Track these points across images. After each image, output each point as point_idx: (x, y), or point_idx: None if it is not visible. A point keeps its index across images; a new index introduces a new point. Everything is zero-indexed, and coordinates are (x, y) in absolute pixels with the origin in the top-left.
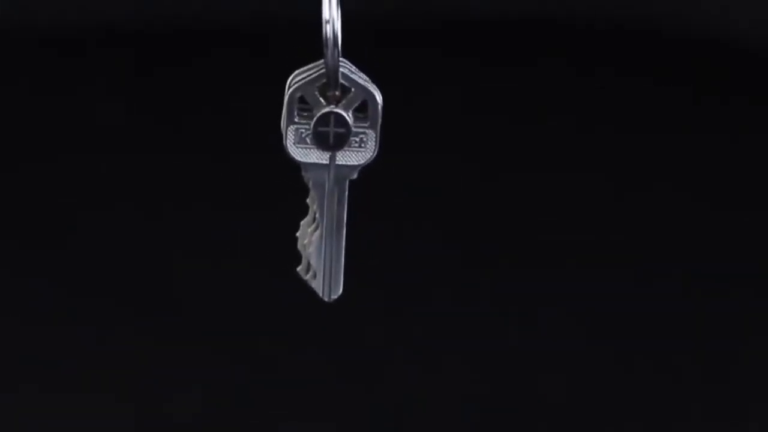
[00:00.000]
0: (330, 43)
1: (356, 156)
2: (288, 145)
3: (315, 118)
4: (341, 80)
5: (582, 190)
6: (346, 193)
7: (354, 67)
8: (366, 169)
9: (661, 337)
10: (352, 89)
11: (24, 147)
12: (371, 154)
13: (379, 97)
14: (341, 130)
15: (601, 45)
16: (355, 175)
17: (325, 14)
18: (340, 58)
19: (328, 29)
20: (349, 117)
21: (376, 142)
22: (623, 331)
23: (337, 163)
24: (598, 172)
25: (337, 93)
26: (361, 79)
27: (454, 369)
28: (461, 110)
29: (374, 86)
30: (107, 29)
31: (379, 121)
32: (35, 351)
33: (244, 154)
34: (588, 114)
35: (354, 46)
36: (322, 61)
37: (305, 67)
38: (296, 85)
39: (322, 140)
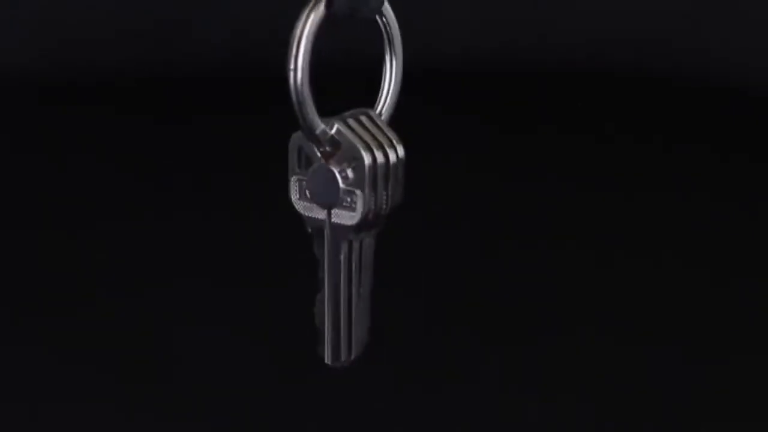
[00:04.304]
0: (293, 92)
1: (348, 216)
2: (293, 198)
3: (309, 172)
4: (332, 134)
5: (583, 259)
6: (343, 255)
7: (358, 122)
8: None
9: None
10: (342, 146)
11: (21, 208)
12: (360, 216)
13: (367, 158)
14: (331, 187)
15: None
16: (363, 238)
17: (290, 63)
18: (360, 110)
19: (291, 78)
20: (337, 174)
21: (363, 203)
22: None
23: (332, 221)
24: (599, 237)
25: (328, 148)
26: (356, 136)
27: None
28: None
29: (364, 145)
30: (104, 81)
31: (367, 182)
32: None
33: (260, 217)
34: (588, 174)
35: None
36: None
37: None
38: (296, 135)
39: (316, 195)
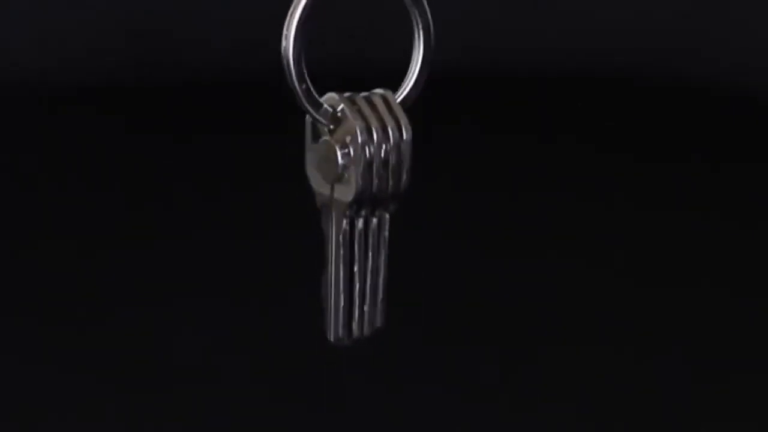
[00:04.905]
0: (285, 68)
1: (346, 191)
2: (308, 169)
3: (315, 146)
4: (334, 111)
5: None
6: (344, 231)
7: (369, 102)
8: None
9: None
10: (342, 122)
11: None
12: (353, 192)
13: (361, 136)
14: (331, 162)
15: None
16: (367, 217)
17: (283, 39)
18: (378, 90)
19: (284, 52)
20: (338, 150)
21: (356, 180)
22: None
23: (334, 196)
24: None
25: (332, 126)
26: (358, 115)
27: None
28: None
29: (363, 124)
30: (105, 84)
31: (360, 159)
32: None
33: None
34: (588, 176)
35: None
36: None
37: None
38: None
39: (319, 169)
